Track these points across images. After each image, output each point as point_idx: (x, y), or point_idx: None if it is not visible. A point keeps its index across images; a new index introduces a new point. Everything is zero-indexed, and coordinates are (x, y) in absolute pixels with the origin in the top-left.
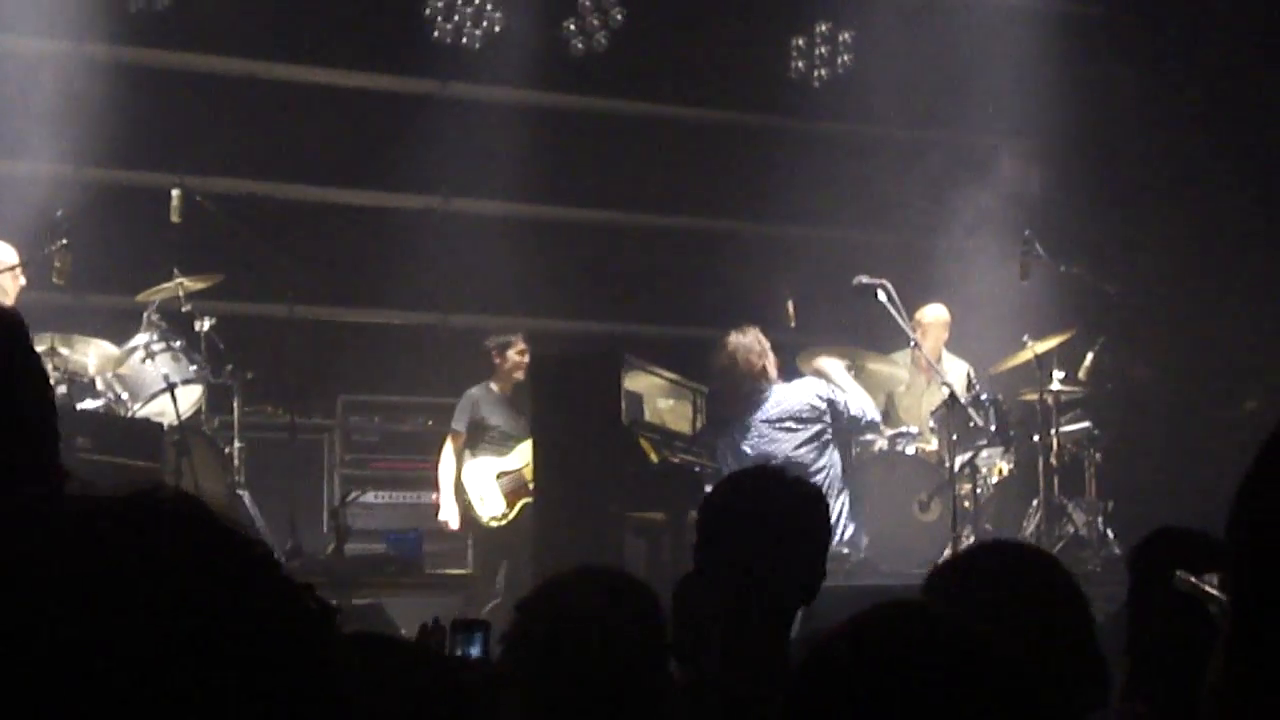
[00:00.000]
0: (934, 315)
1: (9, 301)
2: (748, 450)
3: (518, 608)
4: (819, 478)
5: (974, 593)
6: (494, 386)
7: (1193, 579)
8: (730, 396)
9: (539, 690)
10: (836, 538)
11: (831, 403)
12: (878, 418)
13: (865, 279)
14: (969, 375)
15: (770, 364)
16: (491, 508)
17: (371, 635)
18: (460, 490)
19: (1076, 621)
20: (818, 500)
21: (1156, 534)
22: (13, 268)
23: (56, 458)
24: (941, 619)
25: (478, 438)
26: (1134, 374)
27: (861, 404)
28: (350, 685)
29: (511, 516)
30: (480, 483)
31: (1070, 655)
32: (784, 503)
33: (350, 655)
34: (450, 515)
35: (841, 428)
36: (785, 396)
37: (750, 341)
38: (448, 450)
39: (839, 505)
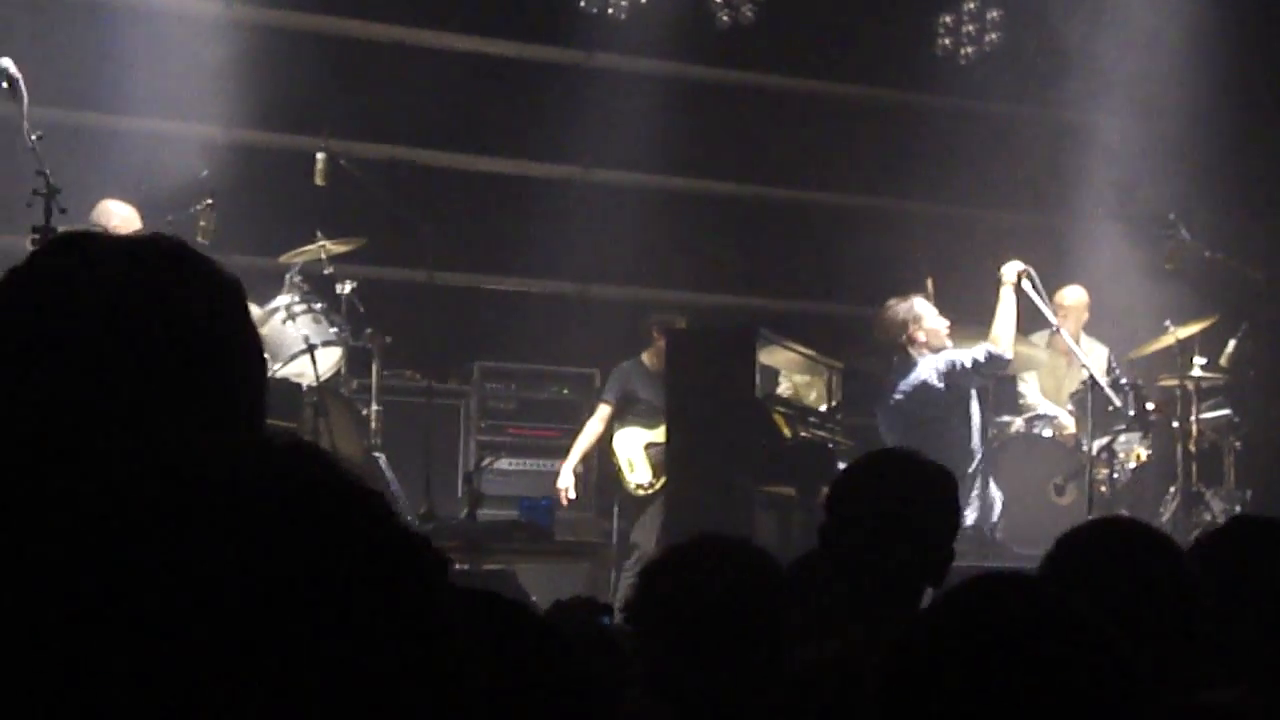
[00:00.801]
0: (1075, 298)
1: None
2: (884, 422)
3: (641, 573)
4: (947, 452)
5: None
6: (646, 361)
7: None
8: (877, 360)
9: (658, 656)
10: (971, 516)
11: (950, 367)
12: (998, 349)
13: (1009, 267)
14: (1109, 359)
15: (920, 334)
16: (640, 475)
17: (490, 596)
18: (611, 455)
19: (1182, 602)
20: (946, 481)
21: (1233, 521)
22: (134, 230)
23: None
24: (1034, 588)
25: (627, 410)
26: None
27: (976, 349)
28: (459, 637)
29: (658, 486)
30: (629, 450)
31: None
32: (912, 484)
33: (469, 612)
34: (568, 482)
35: (971, 384)
36: (919, 370)
37: (893, 312)
38: (594, 418)
39: (971, 481)
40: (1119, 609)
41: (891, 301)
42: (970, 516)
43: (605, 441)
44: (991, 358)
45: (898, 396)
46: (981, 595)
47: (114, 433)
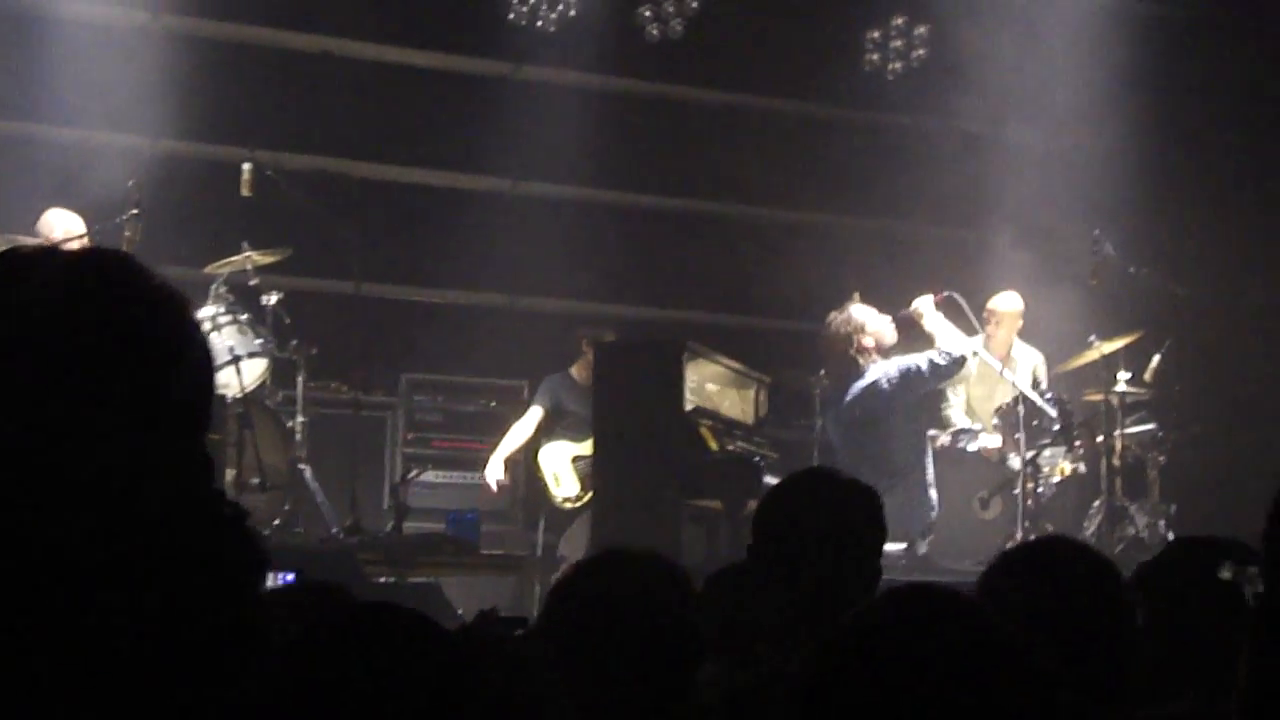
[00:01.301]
0: (1009, 304)
1: None
2: (833, 429)
3: (552, 588)
4: (893, 457)
5: (1023, 586)
6: (575, 374)
7: (1238, 566)
8: (830, 376)
9: (570, 671)
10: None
11: (905, 374)
12: (955, 351)
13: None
14: (1035, 371)
15: (866, 340)
16: (567, 489)
17: (391, 609)
18: (537, 469)
19: (1118, 620)
20: (871, 498)
21: (1174, 544)
22: (79, 237)
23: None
24: (951, 601)
25: (555, 422)
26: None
27: (931, 353)
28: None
29: (585, 500)
30: (556, 464)
31: (1109, 653)
32: (838, 501)
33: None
34: (495, 473)
35: (927, 388)
36: (869, 374)
37: (835, 327)
38: (524, 420)
39: (919, 485)
40: (1056, 627)
41: (831, 317)
42: (930, 515)
43: (532, 455)
44: (952, 359)
45: (847, 400)
46: (896, 608)
47: (52, 446)
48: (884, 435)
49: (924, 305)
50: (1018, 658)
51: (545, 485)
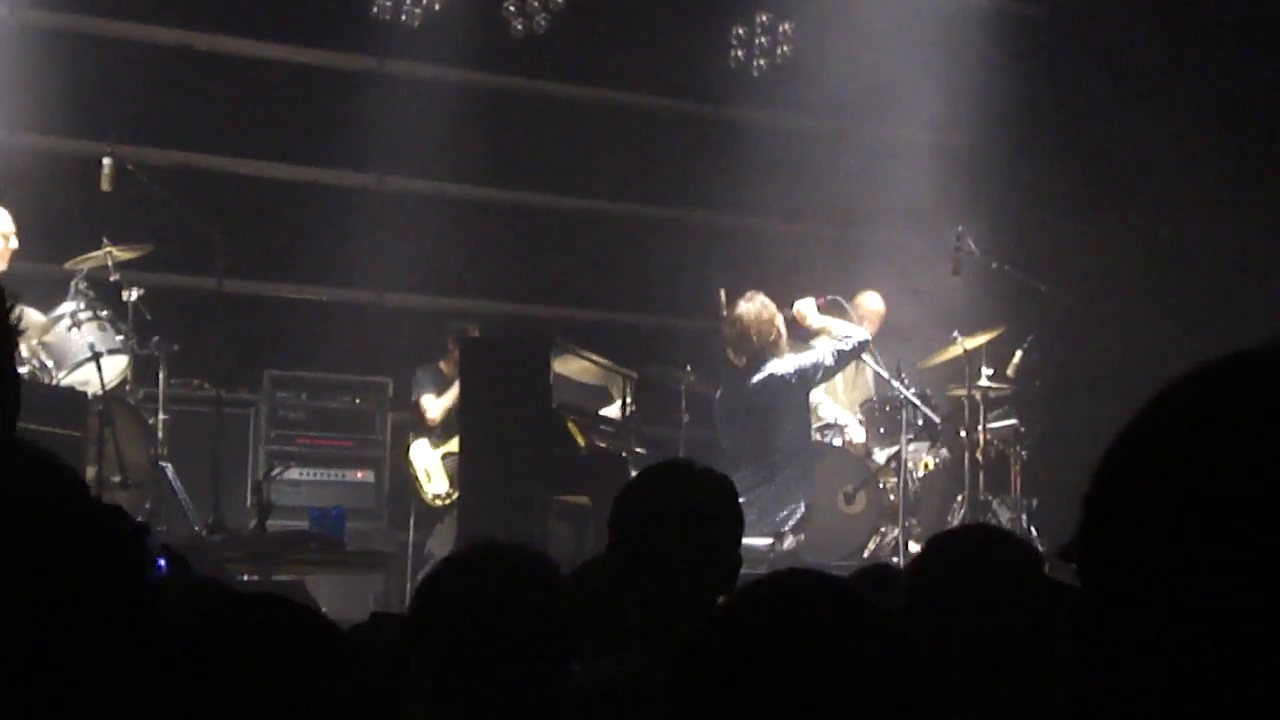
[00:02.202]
0: (875, 304)
1: (2, 265)
2: (720, 420)
3: (420, 583)
4: (770, 453)
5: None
6: (443, 369)
7: (1066, 564)
8: (732, 369)
9: (438, 668)
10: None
11: (815, 367)
12: (857, 336)
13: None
14: (897, 366)
15: (782, 333)
16: (437, 486)
17: (278, 600)
18: (408, 466)
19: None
20: (726, 489)
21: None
22: (4, 235)
23: (12, 428)
24: (825, 582)
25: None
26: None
27: (835, 343)
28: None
29: (455, 497)
30: (426, 460)
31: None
32: (693, 493)
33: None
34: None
35: (831, 377)
36: (771, 366)
37: (758, 309)
38: (432, 402)
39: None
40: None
41: (742, 308)
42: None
43: (403, 451)
44: (856, 343)
45: (749, 386)
46: (773, 591)
47: None
48: (772, 426)
49: (806, 306)
50: (896, 639)
51: (416, 482)
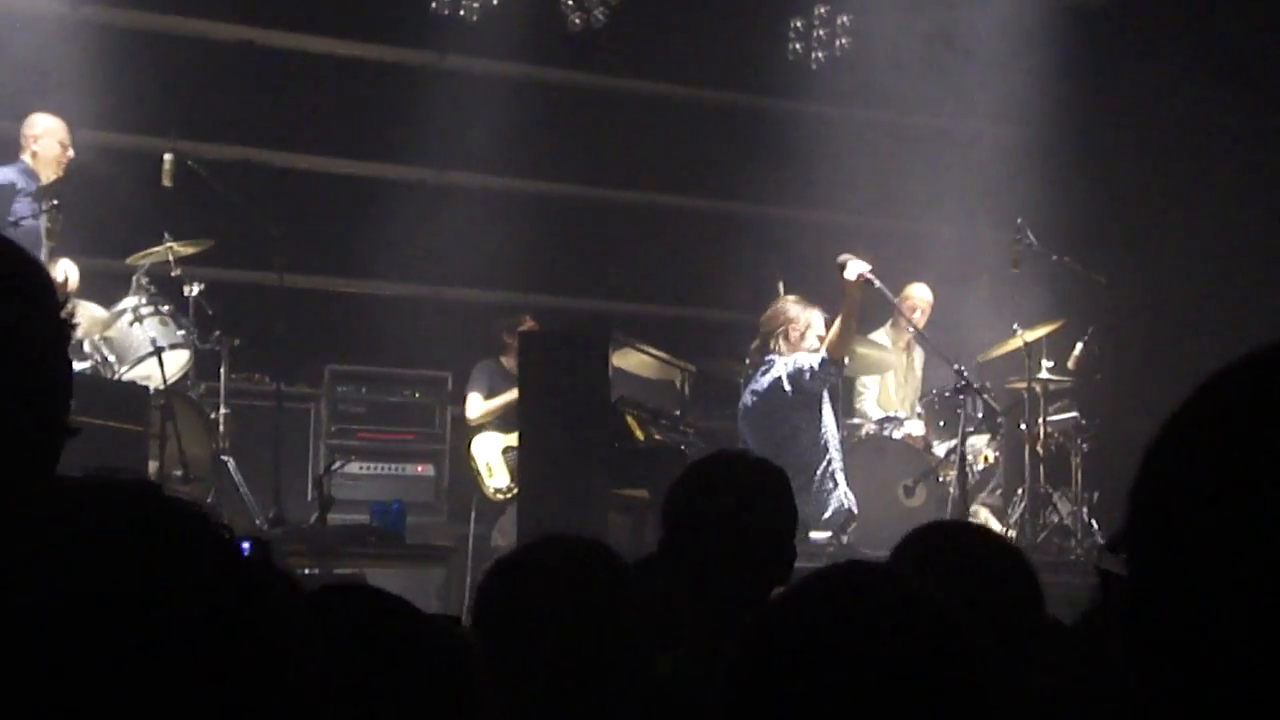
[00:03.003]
0: (926, 294)
1: (57, 172)
2: (743, 421)
3: (485, 575)
4: (792, 454)
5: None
6: (504, 362)
7: (1113, 555)
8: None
9: (504, 660)
10: (838, 518)
11: (798, 372)
12: (832, 355)
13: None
14: (956, 359)
15: (788, 335)
16: (499, 480)
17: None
18: (469, 461)
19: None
20: (781, 479)
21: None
22: (61, 143)
23: (65, 416)
24: (884, 574)
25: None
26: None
27: (815, 355)
28: (305, 666)
29: (514, 491)
30: (488, 454)
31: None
32: (747, 484)
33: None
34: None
35: (817, 389)
36: (774, 370)
37: (770, 313)
38: (475, 402)
39: (821, 480)
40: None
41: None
42: (828, 512)
43: (465, 446)
44: (824, 363)
45: (754, 396)
46: (831, 582)
47: None
48: (786, 432)
49: (851, 272)
50: (952, 631)
51: (478, 476)
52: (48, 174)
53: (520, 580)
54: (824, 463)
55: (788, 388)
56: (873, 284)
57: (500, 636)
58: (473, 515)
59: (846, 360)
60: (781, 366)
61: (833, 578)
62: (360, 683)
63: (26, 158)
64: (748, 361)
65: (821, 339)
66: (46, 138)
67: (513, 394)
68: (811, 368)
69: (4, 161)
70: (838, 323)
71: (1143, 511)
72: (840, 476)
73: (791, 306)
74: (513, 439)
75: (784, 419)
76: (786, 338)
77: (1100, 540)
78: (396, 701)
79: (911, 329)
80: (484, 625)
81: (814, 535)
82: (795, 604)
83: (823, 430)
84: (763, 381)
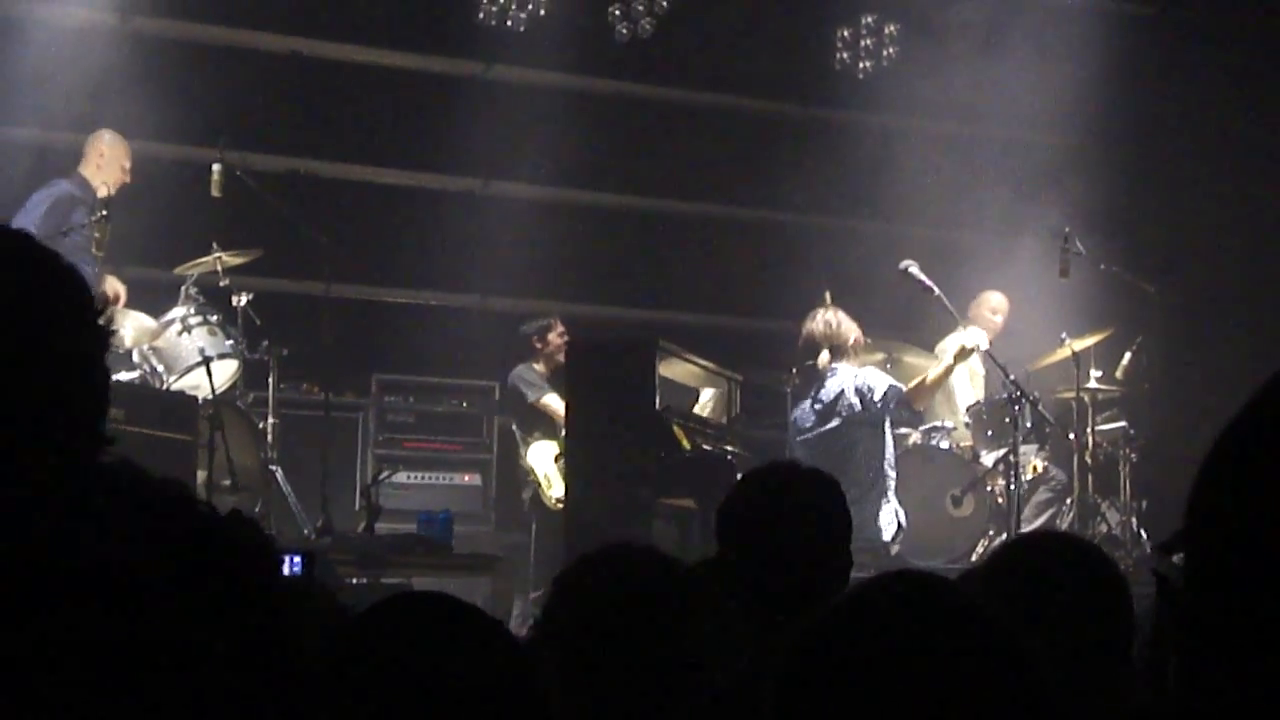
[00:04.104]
0: (1003, 304)
1: (112, 190)
2: (795, 431)
3: (555, 581)
4: (848, 467)
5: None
6: (538, 368)
7: (1171, 558)
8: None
9: (571, 669)
10: (889, 533)
11: (861, 390)
12: (910, 401)
13: (914, 268)
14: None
15: (830, 347)
16: (558, 489)
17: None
18: (530, 472)
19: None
20: (834, 490)
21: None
22: (124, 167)
23: (103, 424)
24: (937, 584)
25: (535, 421)
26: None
27: (890, 385)
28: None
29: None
30: (544, 465)
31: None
32: (800, 495)
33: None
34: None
35: (875, 414)
36: (837, 382)
37: (811, 325)
38: (552, 398)
39: (874, 496)
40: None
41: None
42: (886, 532)
43: (510, 454)
44: (900, 402)
45: (816, 405)
46: (878, 591)
47: None
48: (844, 446)
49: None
50: (1010, 642)
51: (539, 487)
52: (103, 190)
53: (586, 592)
54: (879, 481)
55: (854, 401)
56: (932, 291)
57: (567, 647)
58: (534, 527)
59: (921, 410)
60: (849, 378)
61: (879, 587)
62: (434, 691)
63: (87, 170)
64: (795, 371)
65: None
66: (112, 157)
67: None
68: (885, 398)
69: (57, 173)
70: (932, 378)
71: (1202, 514)
72: (893, 494)
73: (844, 322)
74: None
75: (843, 433)
76: (847, 352)
77: (1149, 551)
78: (466, 711)
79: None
80: (551, 636)
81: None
82: (841, 615)
83: (882, 450)
84: (827, 391)
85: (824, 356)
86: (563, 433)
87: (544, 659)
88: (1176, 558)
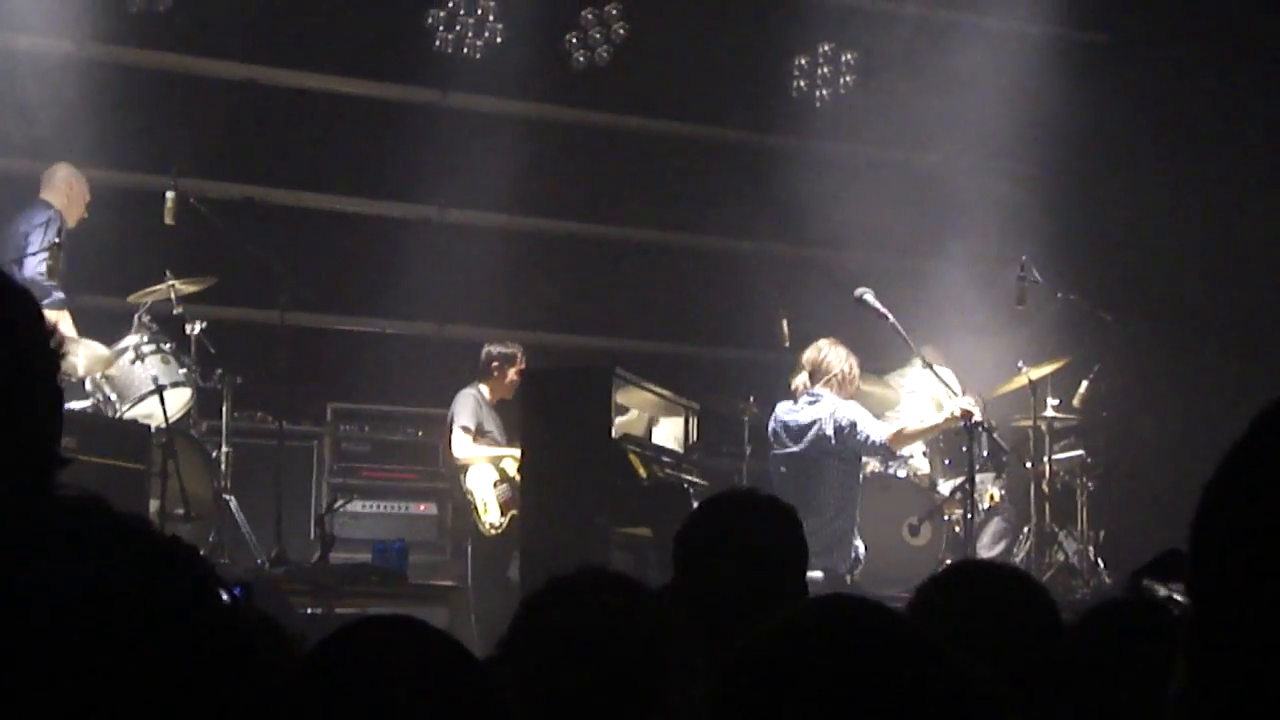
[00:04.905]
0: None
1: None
2: (774, 442)
3: (524, 603)
4: (815, 495)
5: (951, 611)
6: (485, 391)
7: (1159, 586)
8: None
9: (537, 693)
10: (849, 561)
11: (851, 426)
12: (894, 449)
13: (868, 296)
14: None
15: (811, 372)
16: (493, 514)
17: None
18: (467, 495)
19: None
20: (790, 520)
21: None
22: (86, 204)
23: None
24: (868, 606)
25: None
26: (1140, 427)
27: (877, 429)
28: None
29: (503, 527)
30: (484, 489)
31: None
32: (757, 524)
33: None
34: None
35: (847, 448)
36: (816, 410)
37: (808, 350)
38: (466, 443)
39: (838, 526)
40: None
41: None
42: (842, 565)
43: (456, 479)
44: (881, 447)
45: (794, 424)
46: (808, 613)
47: None
48: (812, 471)
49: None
50: (944, 665)
51: (475, 512)
52: (71, 222)
53: (553, 615)
54: (841, 511)
55: (829, 432)
56: (887, 318)
57: (532, 670)
58: (469, 550)
59: (902, 454)
60: (829, 408)
61: (811, 609)
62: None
63: (57, 200)
64: (751, 399)
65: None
66: (80, 193)
67: (500, 449)
68: (868, 438)
69: (13, 201)
70: (917, 430)
71: (1205, 540)
72: (854, 528)
73: (834, 353)
74: (498, 472)
75: (813, 459)
76: (838, 385)
77: (1107, 580)
78: None
79: (923, 362)
80: (516, 659)
81: (815, 574)
82: (770, 636)
83: (851, 483)
84: (806, 415)
85: (800, 379)
86: (503, 459)
87: (505, 680)
88: (1160, 586)
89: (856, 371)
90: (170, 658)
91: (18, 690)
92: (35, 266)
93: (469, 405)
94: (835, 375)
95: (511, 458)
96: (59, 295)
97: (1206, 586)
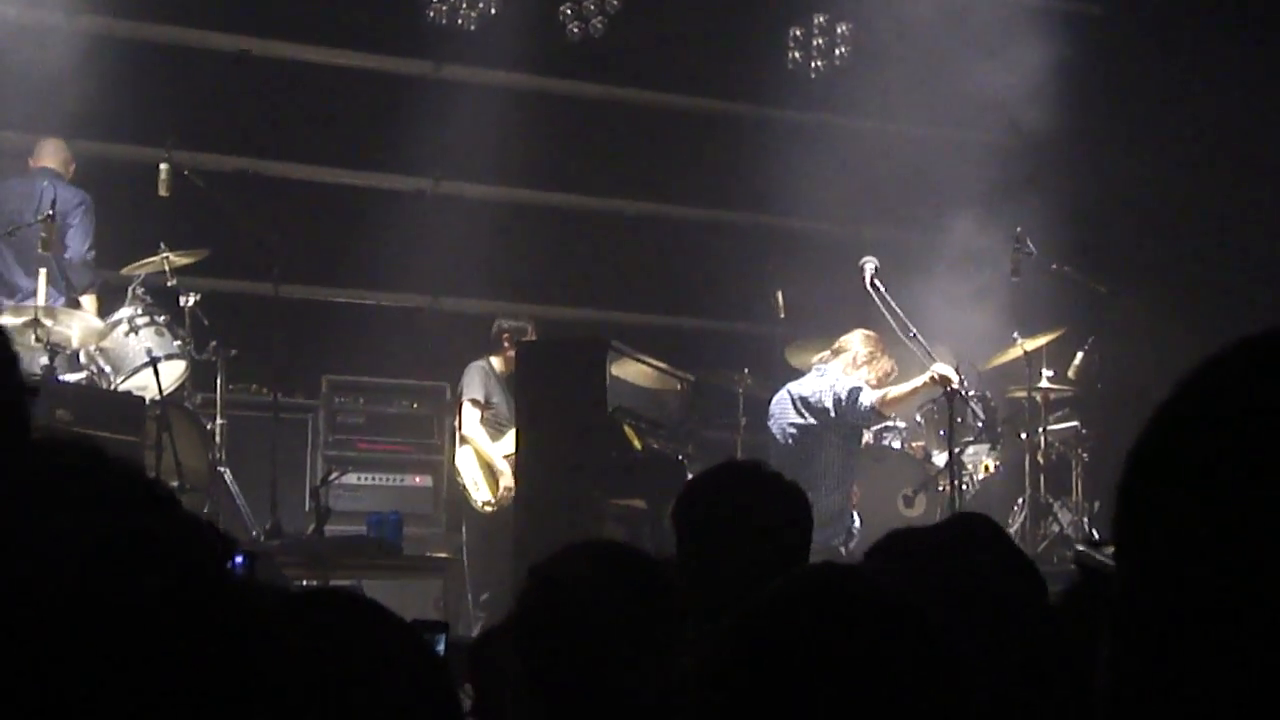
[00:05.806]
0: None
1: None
2: (775, 402)
3: (532, 571)
4: (814, 468)
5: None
6: (496, 365)
7: (1095, 554)
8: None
9: (544, 662)
10: (844, 534)
11: (839, 397)
12: (883, 410)
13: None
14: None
15: (834, 349)
16: (484, 493)
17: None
18: (456, 473)
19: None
20: (795, 494)
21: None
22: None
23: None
24: (854, 574)
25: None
26: (1134, 398)
27: (866, 395)
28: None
29: (497, 503)
30: (474, 467)
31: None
32: (761, 491)
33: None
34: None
35: (845, 421)
36: (821, 381)
37: (849, 343)
38: (472, 418)
39: (836, 499)
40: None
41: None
42: (841, 531)
43: (449, 458)
44: (871, 411)
45: (799, 396)
46: (798, 582)
47: None
48: (810, 441)
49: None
50: (926, 633)
51: (465, 490)
52: None
53: (560, 587)
54: (839, 484)
55: (828, 404)
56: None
57: (541, 643)
58: (464, 527)
59: (897, 424)
60: (831, 380)
61: (800, 579)
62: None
63: (63, 170)
64: (746, 371)
65: (872, 385)
66: (71, 167)
67: (497, 445)
68: (861, 405)
69: (16, 173)
70: (905, 392)
71: (1132, 502)
72: (850, 500)
73: (857, 339)
74: (500, 446)
75: (815, 433)
76: (851, 365)
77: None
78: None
79: (910, 333)
80: (519, 631)
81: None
82: (761, 606)
83: (848, 457)
84: (808, 386)
85: (823, 354)
86: (494, 430)
87: (508, 647)
88: (1095, 553)
89: (882, 362)
90: (193, 621)
91: (48, 643)
92: (85, 253)
93: (477, 378)
94: (850, 355)
95: (505, 457)
96: (99, 280)
97: (1130, 553)
